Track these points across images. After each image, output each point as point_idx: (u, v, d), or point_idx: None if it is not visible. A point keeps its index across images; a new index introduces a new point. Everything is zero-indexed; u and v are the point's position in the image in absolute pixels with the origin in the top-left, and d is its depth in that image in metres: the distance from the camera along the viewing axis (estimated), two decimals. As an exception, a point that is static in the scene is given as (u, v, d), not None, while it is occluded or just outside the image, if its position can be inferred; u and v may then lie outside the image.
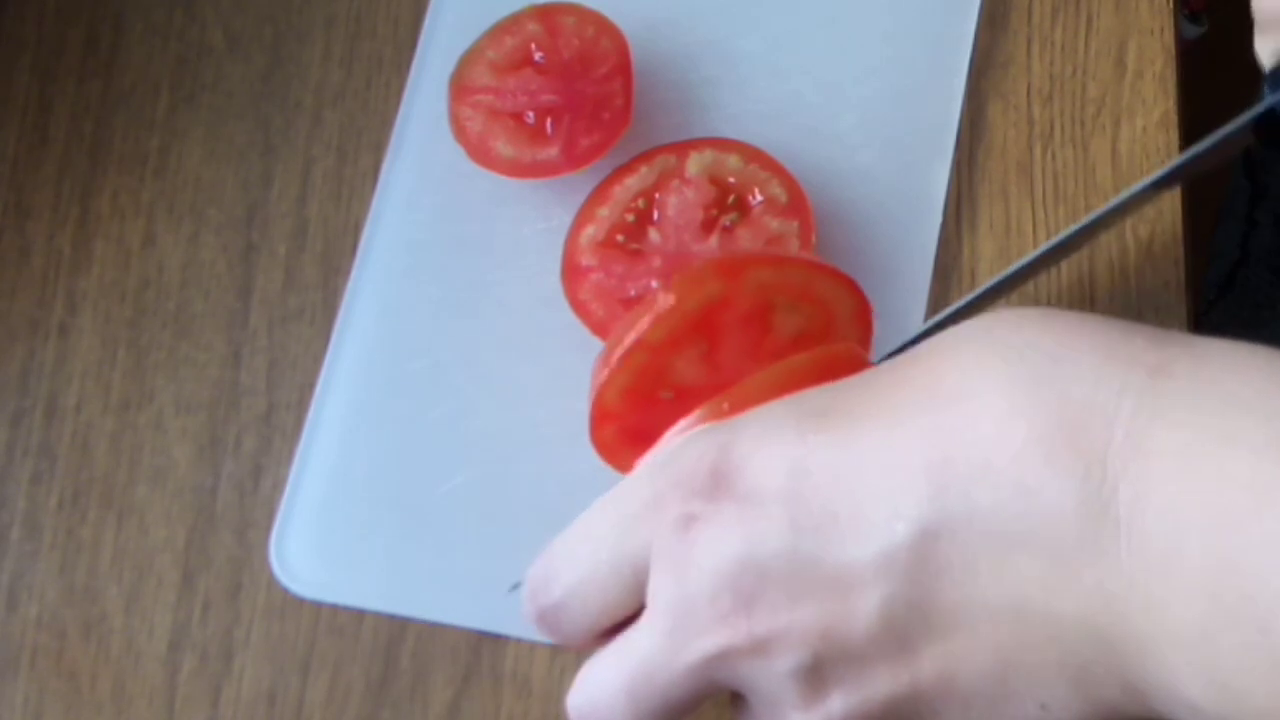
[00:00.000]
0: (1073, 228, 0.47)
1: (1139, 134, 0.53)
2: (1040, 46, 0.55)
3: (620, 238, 0.51)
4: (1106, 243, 0.52)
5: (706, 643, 0.38)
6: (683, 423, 0.43)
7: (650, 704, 0.40)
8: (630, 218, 0.51)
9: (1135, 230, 0.53)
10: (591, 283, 0.51)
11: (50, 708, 0.50)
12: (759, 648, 0.38)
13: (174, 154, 0.56)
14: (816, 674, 0.38)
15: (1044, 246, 0.47)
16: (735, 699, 0.42)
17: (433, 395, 0.52)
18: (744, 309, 0.45)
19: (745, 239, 0.51)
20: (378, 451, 0.51)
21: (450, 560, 0.50)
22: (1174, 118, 0.54)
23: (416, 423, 0.51)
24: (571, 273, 0.51)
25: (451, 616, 0.50)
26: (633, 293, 0.51)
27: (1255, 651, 0.32)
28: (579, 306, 0.51)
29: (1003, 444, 0.35)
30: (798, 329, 0.46)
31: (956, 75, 0.54)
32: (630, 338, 0.44)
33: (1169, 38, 0.55)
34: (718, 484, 0.39)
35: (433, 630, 0.50)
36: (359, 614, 0.50)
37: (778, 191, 0.51)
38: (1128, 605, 0.34)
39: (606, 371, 0.45)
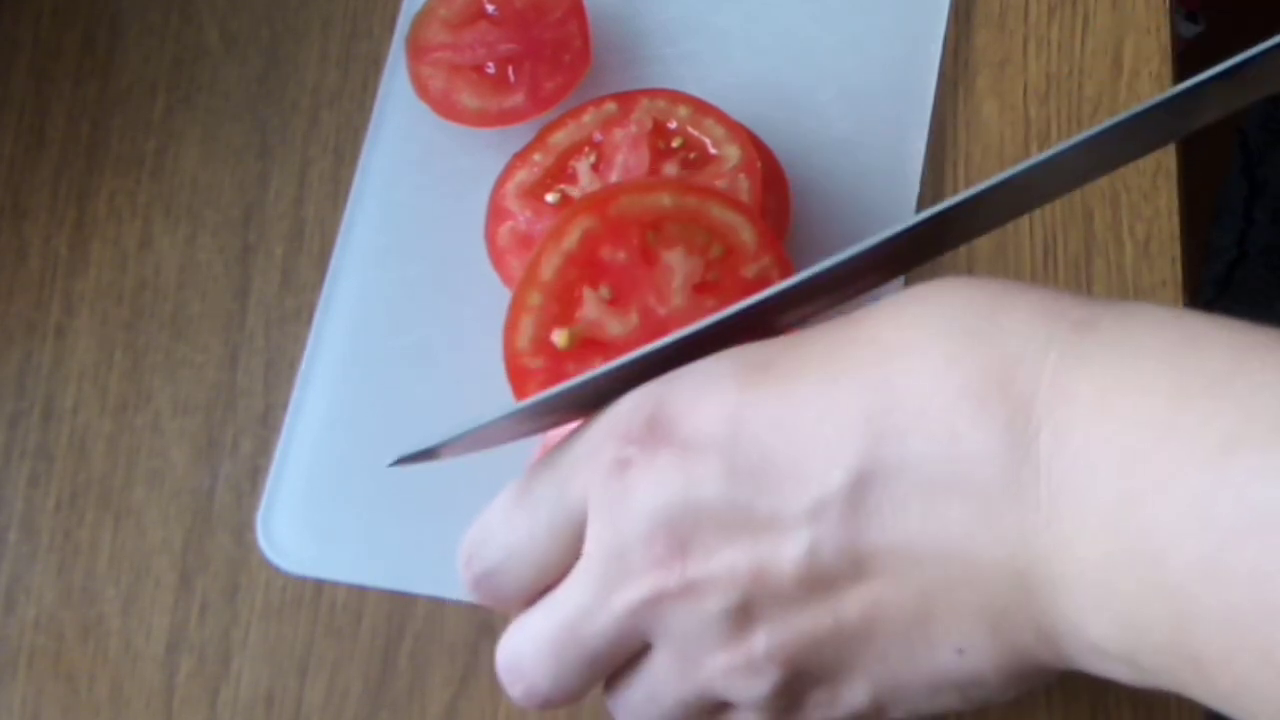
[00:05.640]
0: (1059, 146, 0.41)
1: (1136, 133, 0.53)
2: (1037, 46, 0.55)
3: (559, 186, 0.51)
4: (1104, 242, 0.52)
5: (639, 587, 0.39)
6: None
7: (573, 654, 0.40)
8: (572, 165, 0.51)
9: (1132, 230, 0.53)
10: (509, 229, 0.51)
11: (48, 709, 0.50)
12: (690, 590, 0.38)
13: (171, 155, 0.56)
14: (744, 613, 0.38)
15: (1024, 163, 0.41)
16: (612, 683, 0.42)
17: (417, 370, 0.52)
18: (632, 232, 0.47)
19: None
20: (362, 427, 0.51)
21: (434, 534, 0.50)
22: (1171, 117, 0.53)
23: (400, 398, 0.52)
24: (495, 216, 0.51)
25: (441, 590, 0.50)
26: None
27: (1151, 586, 0.33)
28: (495, 252, 0.51)
29: (937, 394, 0.37)
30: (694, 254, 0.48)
31: (933, 42, 0.55)
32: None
33: (1165, 36, 0.55)
34: (654, 431, 0.39)
35: (431, 631, 0.50)
36: (357, 615, 0.50)
37: (729, 148, 0.51)
38: (1044, 546, 0.35)
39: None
